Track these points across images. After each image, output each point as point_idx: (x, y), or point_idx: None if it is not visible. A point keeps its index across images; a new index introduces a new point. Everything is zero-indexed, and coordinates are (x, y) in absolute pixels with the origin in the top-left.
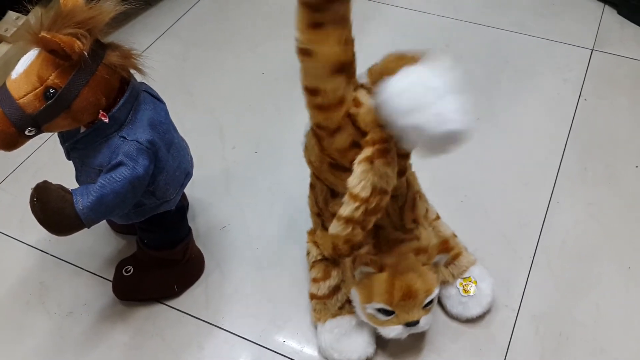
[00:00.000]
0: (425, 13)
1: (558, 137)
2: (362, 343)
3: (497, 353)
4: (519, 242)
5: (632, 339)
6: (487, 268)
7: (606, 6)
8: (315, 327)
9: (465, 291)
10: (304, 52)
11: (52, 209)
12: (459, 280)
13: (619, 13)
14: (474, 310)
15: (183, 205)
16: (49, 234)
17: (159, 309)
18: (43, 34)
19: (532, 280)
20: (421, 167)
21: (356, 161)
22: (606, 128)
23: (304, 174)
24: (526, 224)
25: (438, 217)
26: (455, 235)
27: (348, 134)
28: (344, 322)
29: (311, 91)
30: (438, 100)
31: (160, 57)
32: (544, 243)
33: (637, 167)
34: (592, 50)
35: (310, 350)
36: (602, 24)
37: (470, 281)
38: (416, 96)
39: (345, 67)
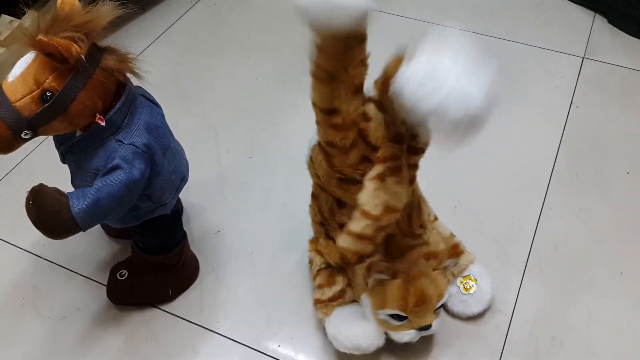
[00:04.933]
0: (417, 20)
1: (550, 144)
2: (374, 331)
3: (491, 357)
4: (512, 247)
5: (624, 343)
6: (486, 266)
7: (596, 15)
8: (324, 326)
9: (466, 289)
10: (328, 77)
11: (48, 212)
12: (459, 279)
13: (609, 21)
14: (474, 308)
15: (178, 210)
16: (43, 237)
17: (153, 314)
18: (40, 37)
19: (525, 285)
20: None
21: (367, 177)
22: (597, 134)
23: (298, 179)
24: (519, 230)
25: (436, 218)
26: (453, 235)
27: (359, 149)
28: (353, 309)
29: (329, 111)
30: (457, 81)
31: (154, 62)
32: (536, 248)
33: (628, 173)
34: (583, 58)
35: (305, 356)
36: (592, 32)
37: (470, 279)
38: (434, 79)
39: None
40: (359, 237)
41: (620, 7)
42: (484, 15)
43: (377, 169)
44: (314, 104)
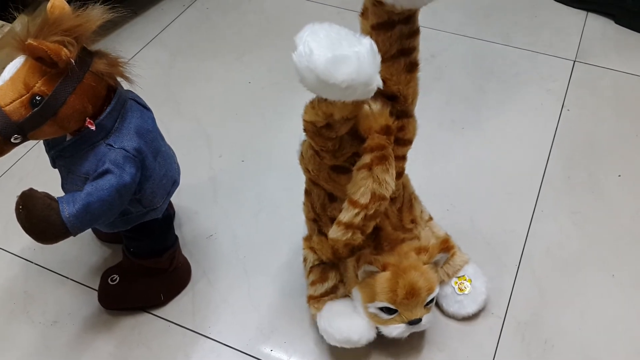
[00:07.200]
0: None
1: (542, 147)
2: (365, 325)
3: None
4: (505, 250)
5: (617, 345)
6: (480, 267)
7: (588, 19)
8: (316, 323)
9: (461, 290)
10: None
11: (38, 217)
12: (454, 279)
13: (617, 23)
14: (469, 308)
15: (170, 214)
16: (34, 242)
17: (145, 318)
18: (30, 41)
19: (518, 287)
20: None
21: (355, 168)
22: (589, 138)
23: (291, 182)
24: (511, 232)
25: (431, 218)
26: (449, 236)
27: (348, 148)
28: (344, 303)
29: (326, 126)
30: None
31: (146, 66)
32: (529, 251)
33: (619, 176)
34: (575, 61)
35: None
36: (584, 36)
37: (465, 280)
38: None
39: None
40: (348, 226)
41: (631, 5)
42: (478, 19)
43: (364, 159)
44: (305, 121)
